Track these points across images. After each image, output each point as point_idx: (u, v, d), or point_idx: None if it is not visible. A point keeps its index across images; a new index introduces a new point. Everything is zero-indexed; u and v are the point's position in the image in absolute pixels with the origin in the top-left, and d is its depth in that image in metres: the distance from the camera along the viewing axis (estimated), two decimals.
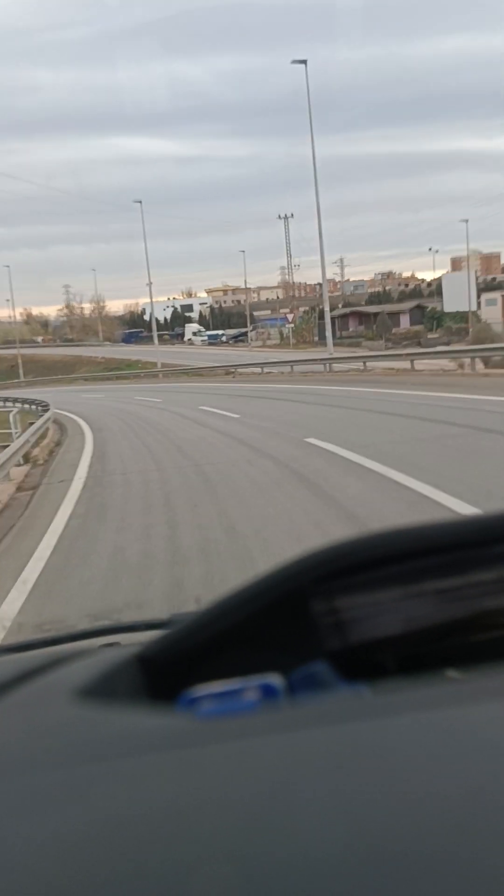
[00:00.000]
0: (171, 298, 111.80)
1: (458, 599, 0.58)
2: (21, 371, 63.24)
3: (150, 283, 49.21)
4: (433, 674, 0.55)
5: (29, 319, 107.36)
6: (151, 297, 51.39)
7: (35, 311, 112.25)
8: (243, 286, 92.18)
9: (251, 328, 76.99)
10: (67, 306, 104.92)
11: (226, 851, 0.31)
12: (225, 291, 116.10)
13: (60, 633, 1.09)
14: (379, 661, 0.58)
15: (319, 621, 0.58)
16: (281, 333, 64.03)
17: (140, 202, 45.21)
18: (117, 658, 0.58)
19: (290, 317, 59.23)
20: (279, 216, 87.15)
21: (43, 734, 0.45)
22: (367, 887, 0.28)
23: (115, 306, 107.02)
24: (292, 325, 58.80)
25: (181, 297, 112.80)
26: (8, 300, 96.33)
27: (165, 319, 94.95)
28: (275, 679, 0.53)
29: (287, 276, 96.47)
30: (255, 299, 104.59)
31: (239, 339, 75.79)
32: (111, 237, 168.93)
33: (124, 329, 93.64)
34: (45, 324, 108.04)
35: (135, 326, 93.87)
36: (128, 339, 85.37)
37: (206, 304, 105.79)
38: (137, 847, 0.32)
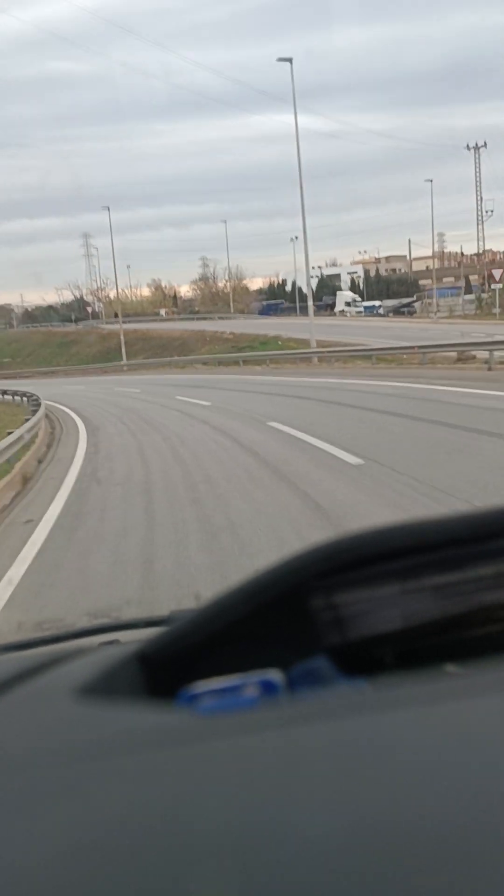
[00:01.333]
0: (317, 268, 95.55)
1: (457, 595, 0.58)
2: (124, 352, 48.67)
3: (302, 236, 32.61)
4: (432, 669, 0.54)
5: (155, 291, 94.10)
6: (307, 250, 34.75)
7: (165, 285, 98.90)
8: (394, 256, 74.99)
9: (415, 297, 61.01)
10: (202, 278, 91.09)
11: (226, 847, 0.31)
12: (378, 260, 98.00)
13: (60, 631, 1.08)
14: (378, 656, 0.58)
15: (319, 617, 0.57)
16: (479, 300, 46.13)
17: (289, 60, 28.43)
18: (117, 656, 0.57)
19: (497, 273, 40.91)
20: (467, 147, 67.87)
21: (43, 732, 0.45)
22: (368, 882, 0.28)
23: (254, 284, 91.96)
24: (501, 286, 40.54)
25: (325, 267, 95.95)
26: (128, 266, 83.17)
27: (311, 289, 79.61)
28: (274, 675, 0.53)
29: (443, 247, 77.97)
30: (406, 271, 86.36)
31: (403, 310, 59.89)
32: (253, 216, 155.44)
33: (262, 300, 78.24)
34: (174, 297, 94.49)
35: (274, 298, 78.46)
36: (265, 311, 69.92)
37: (355, 273, 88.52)
38: (138, 844, 0.32)
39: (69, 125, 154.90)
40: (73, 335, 65.32)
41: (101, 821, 0.34)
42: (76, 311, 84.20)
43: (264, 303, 75.91)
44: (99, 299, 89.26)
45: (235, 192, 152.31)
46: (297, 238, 32.38)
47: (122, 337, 49.26)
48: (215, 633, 0.56)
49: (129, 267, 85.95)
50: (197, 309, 77.28)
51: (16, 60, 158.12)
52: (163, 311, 78.65)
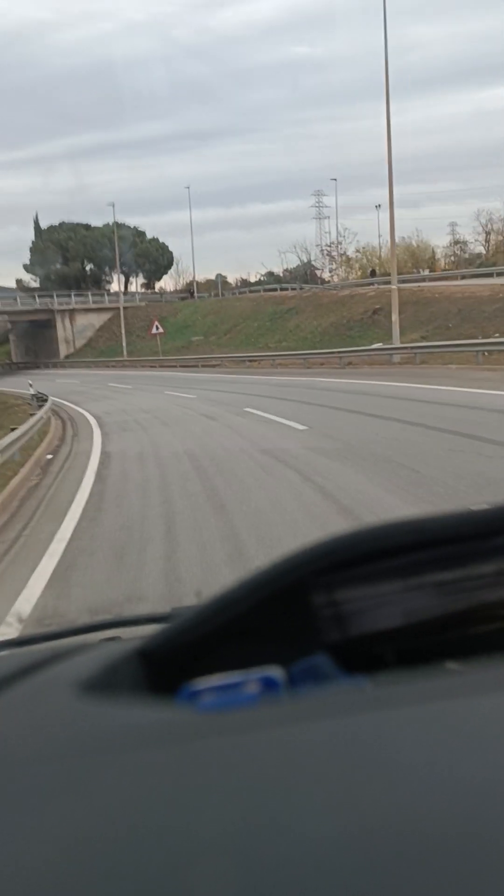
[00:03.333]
0: None
1: (458, 592, 0.57)
2: (396, 324, 24.21)
3: None
4: (433, 666, 0.54)
5: (406, 251, 69.05)
6: None
7: (416, 244, 73.63)
8: None
9: None
10: (456, 242, 65.65)
11: (226, 844, 0.31)
12: None
13: (61, 627, 1.08)
14: (379, 653, 0.57)
15: (320, 614, 0.57)
16: None
17: None
18: (118, 652, 0.57)
19: None
20: None
21: (45, 728, 0.45)
22: (368, 879, 0.28)
23: None
24: None
25: None
26: (377, 206, 58.99)
27: None
28: (275, 672, 0.53)
29: None
30: None
31: None
32: (485, 193, 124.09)
33: None
34: (431, 257, 69.05)
35: None
36: None
37: None
38: (138, 839, 0.32)
39: (303, 108, 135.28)
40: (293, 301, 42.24)
41: (101, 816, 0.34)
42: (300, 278, 61.89)
43: None
44: (332, 258, 66.08)
45: (487, 168, 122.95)
46: None
47: (394, 294, 24.18)
48: (216, 630, 0.56)
49: (378, 207, 62.07)
50: (494, 261, 50.94)
51: (258, 46, 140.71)
52: (426, 270, 53.39)
